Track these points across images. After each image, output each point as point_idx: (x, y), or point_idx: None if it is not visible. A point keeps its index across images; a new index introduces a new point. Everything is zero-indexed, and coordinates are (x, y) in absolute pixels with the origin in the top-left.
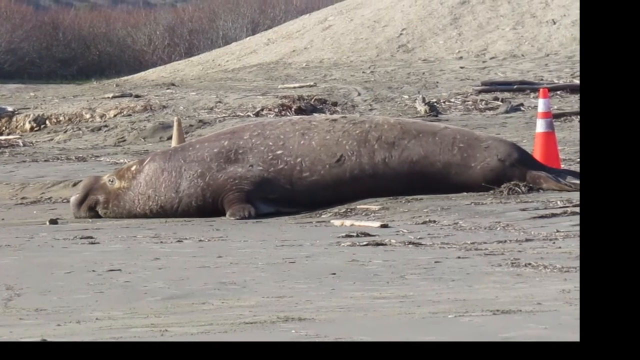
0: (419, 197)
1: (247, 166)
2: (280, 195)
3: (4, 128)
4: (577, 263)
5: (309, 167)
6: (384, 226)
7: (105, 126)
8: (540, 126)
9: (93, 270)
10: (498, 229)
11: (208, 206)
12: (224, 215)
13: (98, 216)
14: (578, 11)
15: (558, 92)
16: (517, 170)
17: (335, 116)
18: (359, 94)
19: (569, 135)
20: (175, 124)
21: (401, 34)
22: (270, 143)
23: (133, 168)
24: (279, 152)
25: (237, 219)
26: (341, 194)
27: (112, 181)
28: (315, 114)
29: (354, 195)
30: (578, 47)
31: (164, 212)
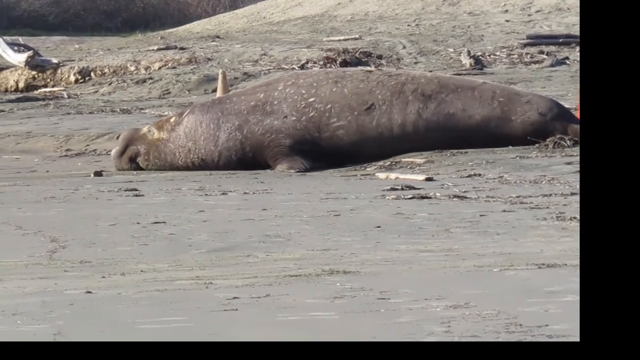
0: (463, 150)
1: (281, 117)
2: (312, 146)
3: (48, 80)
4: None
5: (337, 114)
6: (428, 179)
7: (150, 78)
8: None
9: (137, 223)
10: (543, 182)
11: (248, 159)
12: (266, 168)
13: (140, 168)
14: None
15: None
16: (558, 125)
17: (370, 68)
18: (404, 47)
19: None
20: (220, 76)
21: None
22: (303, 91)
23: (172, 119)
24: (311, 99)
25: (296, 171)
26: (367, 145)
27: (151, 132)
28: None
29: (380, 148)
30: None
31: (205, 165)
